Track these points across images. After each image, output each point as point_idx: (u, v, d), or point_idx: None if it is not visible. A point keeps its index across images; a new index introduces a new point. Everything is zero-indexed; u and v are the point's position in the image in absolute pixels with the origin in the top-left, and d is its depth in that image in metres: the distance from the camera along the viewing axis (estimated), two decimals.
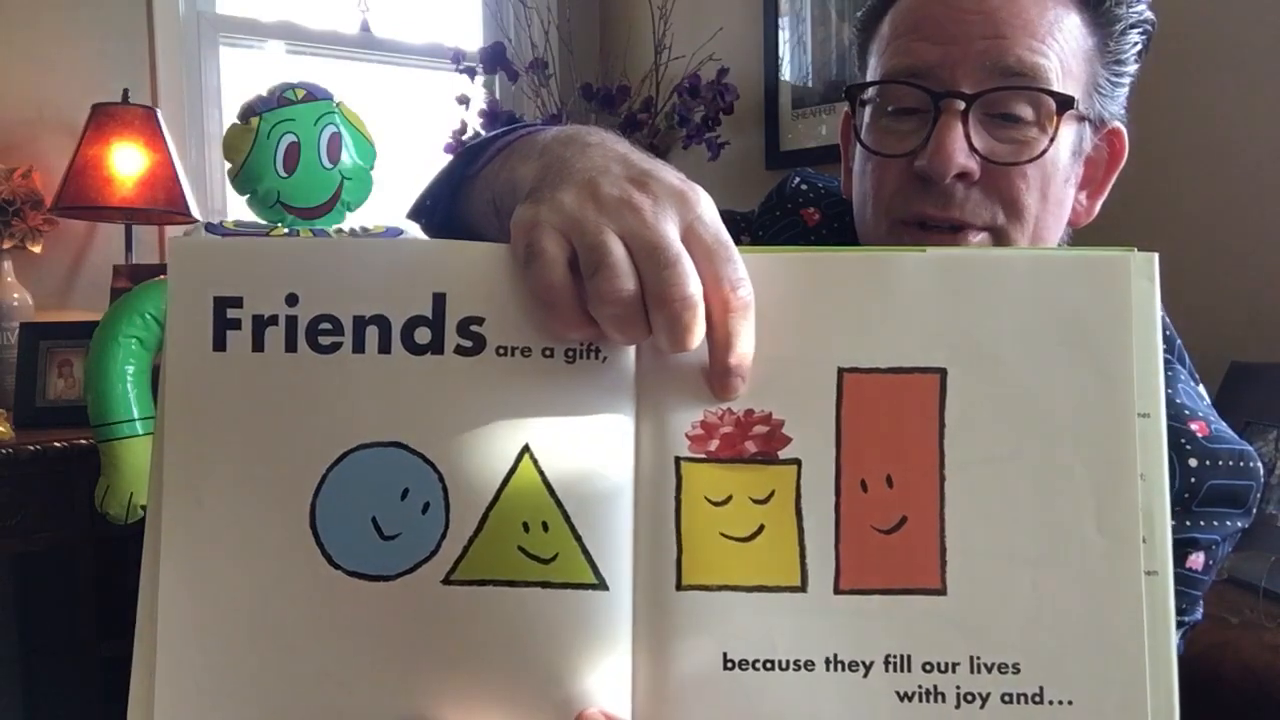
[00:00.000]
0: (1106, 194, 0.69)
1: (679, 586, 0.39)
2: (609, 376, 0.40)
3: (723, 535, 0.40)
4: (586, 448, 0.39)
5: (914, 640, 0.39)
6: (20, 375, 1.86)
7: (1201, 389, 0.70)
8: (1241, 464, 0.64)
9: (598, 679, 0.39)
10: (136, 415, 1.54)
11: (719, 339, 0.39)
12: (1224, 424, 0.66)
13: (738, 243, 0.40)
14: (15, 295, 1.94)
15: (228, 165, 1.67)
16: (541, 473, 0.39)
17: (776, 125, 2.32)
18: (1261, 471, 0.65)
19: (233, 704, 0.40)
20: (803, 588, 0.40)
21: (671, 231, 0.38)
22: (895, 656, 0.39)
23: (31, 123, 2.04)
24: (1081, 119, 0.64)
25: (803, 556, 0.40)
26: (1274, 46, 1.50)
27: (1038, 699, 0.39)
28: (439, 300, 0.39)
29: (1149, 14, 0.67)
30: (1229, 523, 0.64)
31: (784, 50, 2.31)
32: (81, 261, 2.11)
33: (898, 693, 0.39)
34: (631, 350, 0.40)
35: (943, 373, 0.40)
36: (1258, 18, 1.51)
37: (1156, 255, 0.40)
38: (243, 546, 0.40)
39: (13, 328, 1.90)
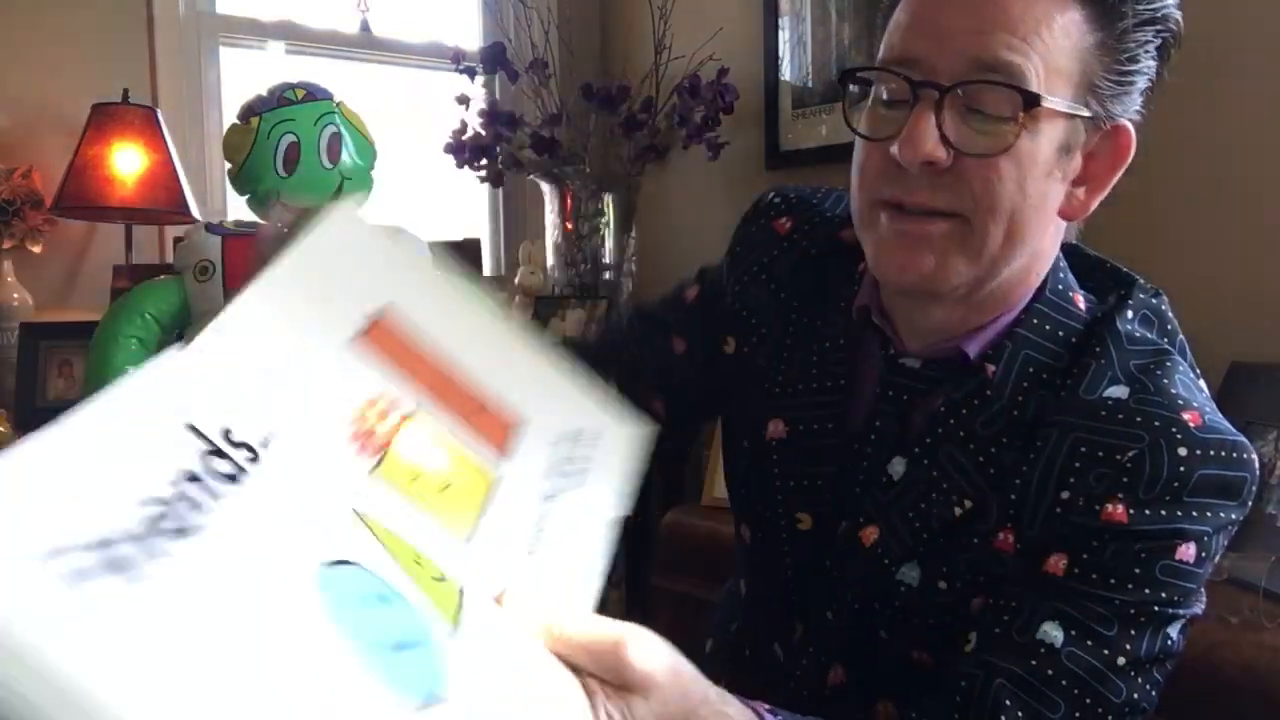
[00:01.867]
0: (1108, 190, 0.70)
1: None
2: None
3: None
4: None
5: None
6: (20, 375, 1.86)
7: (1202, 383, 0.70)
8: (1234, 455, 0.64)
9: None
10: None
11: None
12: (1220, 416, 0.66)
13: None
14: (15, 295, 1.94)
15: (228, 165, 1.67)
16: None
17: (776, 125, 2.32)
18: (1256, 464, 0.65)
19: None
20: None
21: None
22: None
23: (31, 123, 2.04)
24: (1071, 116, 0.65)
25: None
26: (1270, 48, 1.50)
27: None
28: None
29: (1167, 11, 0.67)
30: (1221, 514, 0.64)
31: (784, 50, 2.31)
32: (81, 261, 2.11)
33: None
34: None
35: None
36: (1261, 17, 1.51)
37: None
38: None
39: (13, 328, 1.90)
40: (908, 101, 0.64)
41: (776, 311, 0.81)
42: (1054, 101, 0.63)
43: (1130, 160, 0.69)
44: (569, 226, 2.33)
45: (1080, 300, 0.72)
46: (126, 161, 1.92)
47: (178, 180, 1.97)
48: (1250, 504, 0.66)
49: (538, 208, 2.55)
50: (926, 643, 0.72)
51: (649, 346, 0.88)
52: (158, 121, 1.99)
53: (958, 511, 0.69)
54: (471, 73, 2.30)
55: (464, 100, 2.32)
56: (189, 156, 2.17)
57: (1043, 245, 0.70)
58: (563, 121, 2.28)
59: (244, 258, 1.59)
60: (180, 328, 1.60)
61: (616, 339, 0.92)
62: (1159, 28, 0.67)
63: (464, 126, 2.32)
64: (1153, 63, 0.68)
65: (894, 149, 0.64)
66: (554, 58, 2.37)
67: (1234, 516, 0.65)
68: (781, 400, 0.79)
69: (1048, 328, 0.70)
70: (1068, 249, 0.76)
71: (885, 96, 0.67)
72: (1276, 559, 1.15)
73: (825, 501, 0.76)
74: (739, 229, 0.86)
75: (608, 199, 2.31)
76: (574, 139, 2.32)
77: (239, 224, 1.65)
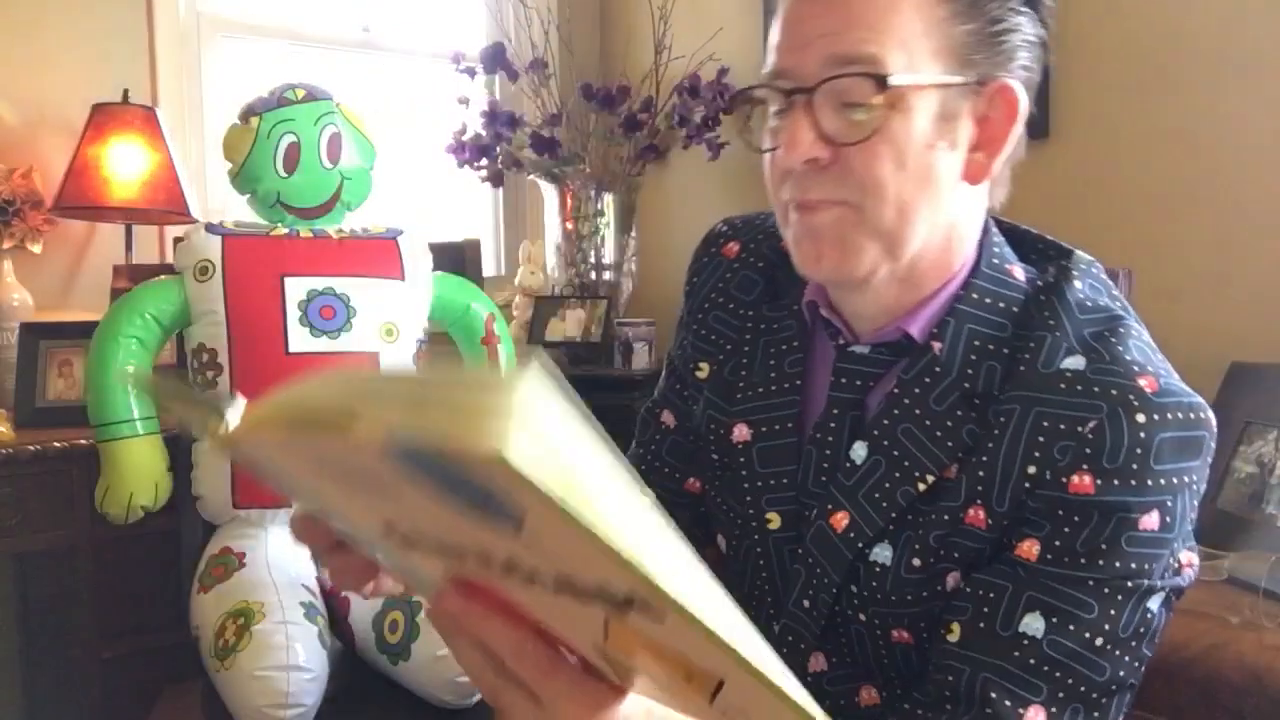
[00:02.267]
0: (1010, 148, 0.71)
1: None
2: None
3: None
4: None
5: None
6: (20, 375, 1.86)
7: (1153, 344, 0.71)
8: (1191, 415, 0.65)
9: None
10: (136, 415, 1.54)
11: None
12: (1176, 378, 0.67)
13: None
14: (15, 295, 1.94)
15: (228, 165, 1.67)
16: None
17: None
18: (1213, 422, 0.67)
19: None
20: None
21: None
22: None
23: (31, 123, 2.04)
24: (942, 86, 0.67)
25: None
26: (1271, 46, 1.50)
27: None
28: None
29: None
30: (1185, 476, 0.65)
31: None
32: (81, 261, 2.11)
33: None
34: None
35: None
36: (1256, 19, 1.51)
37: None
38: None
39: (13, 328, 1.90)
40: (787, 110, 0.69)
41: (736, 327, 0.85)
42: (909, 77, 0.66)
43: (1024, 115, 0.70)
44: (569, 226, 2.33)
45: (1018, 272, 0.74)
46: (126, 161, 1.92)
47: (178, 180, 1.97)
48: (1210, 462, 0.67)
49: (538, 208, 2.55)
50: (906, 620, 0.73)
51: (653, 445, 0.92)
52: (158, 121, 1.99)
53: (921, 487, 0.70)
54: (471, 72, 2.30)
55: (464, 100, 2.32)
56: (189, 156, 2.17)
57: (954, 213, 0.72)
58: (563, 121, 2.28)
59: (244, 258, 1.59)
60: (180, 328, 1.61)
61: (636, 459, 0.94)
62: None
63: (464, 127, 2.32)
64: (1021, 18, 0.69)
65: (779, 155, 0.70)
66: (554, 58, 2.37)
67: (1195, 477, 0.66)
68: (745, 404, 0.82)
69: (988, 300, 0.73)
70: (1002, 226, 0.79)
71: (773, 109, 0.72)
72: (1277, 559, 1.15)
73: (792, 499, 0.78)
74: (692, 263, 0.91)
75: (608, 199, 2.31)
76: (574, 139, 2.32)
77: (239, 224, 1.65)
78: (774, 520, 0.78)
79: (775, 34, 0.71)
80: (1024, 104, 0.70)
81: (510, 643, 0.46)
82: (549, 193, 2.36)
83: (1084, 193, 1.71)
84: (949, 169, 0.69)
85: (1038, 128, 1.75)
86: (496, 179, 2.38)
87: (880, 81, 0.65)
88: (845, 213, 0.69)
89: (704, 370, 0.86)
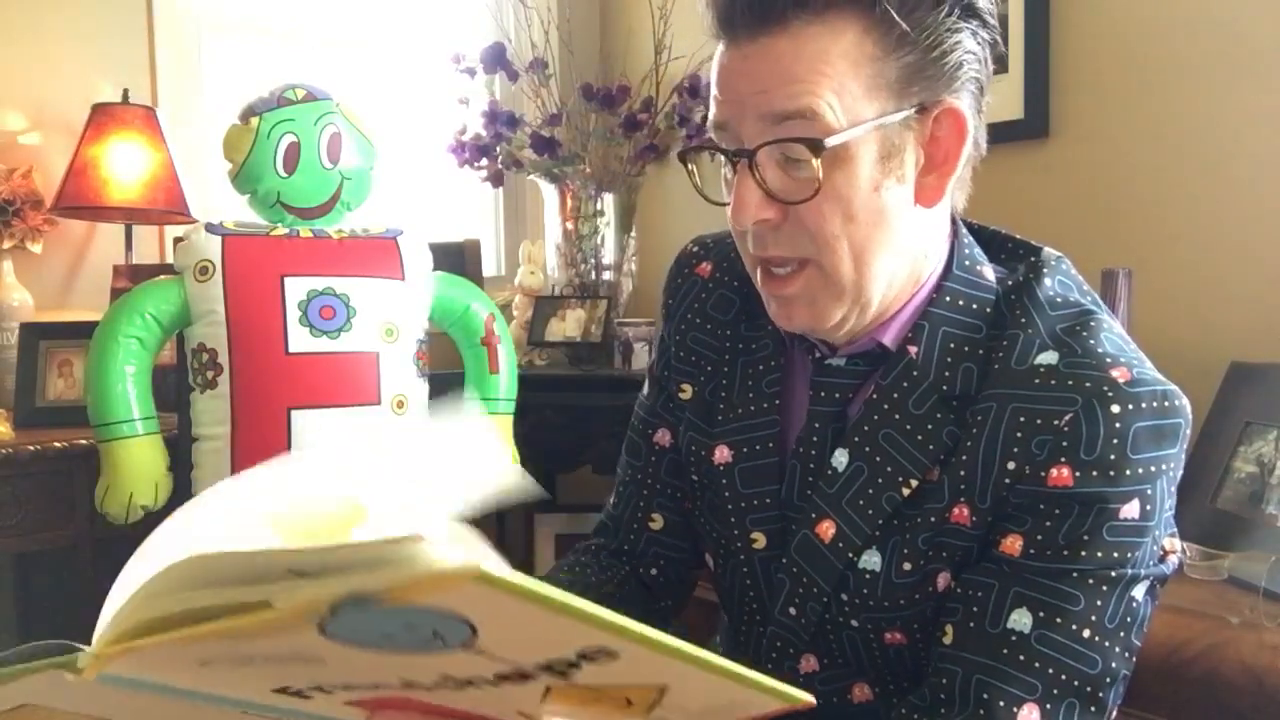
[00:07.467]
0: (960, 169, 0.71)
1: None
2: None
3: None
4: None
5: None
6: (20, 375, 1.86)
7: (1127, 335, 0.71)
8: (1166, 403, 0.66)
9: None
10: (137, 415, 1.54)
11: None
12: (1149, 367, 0.68)
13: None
14: (15, 295, 1.94)
15: (228, 165, 1.67)
16: None
17: None
18: (1188, 409, 0.67)
19: None
20: None
21: None
22: None
23: (31, 123, 2.04)
24: (881, 125, 0.66)
25: None
26: (1269, 47, 1.50)
27: None
28: None
29: None
30: (1163, 465, 0.65)
31: None
32: (81, 261, 2.11)
33: None
34: None
35: None
36: (1256, 18, 1.51)
37: None
38: None
39: (13, 328, 1.90)
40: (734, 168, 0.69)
41: (715, 347, 0.85)
42: (845, 133, 0.65)
43: (973, 132, 0.69)
44: (569, 226, 2.33)
45: (988, 272, 0.75)
46: (126, 161, 1.92)
47: (178, 180, 1.97)
48: (1186, 448, 0.67)
49: (538, 208, 2.55)
50: (899, 623, 0.73)
51: (650, 467, 0.90)
52: (158, 121, 1.99)
53: (905, 492, 0.70)
54: (471, 72, 2.30)
55: (464, 101, 2.32)
56: (189, 156, 2.17)
57: (914, 238, 0.71)
58: (563, 121, 2.28)
59: (244, 258, 1.59)
60: (180, 328, 1.61)
61: (631, 484, 0.92)
62: (946, 9, 0.67)
63: (464, 127, 2.32)
64: (961, 35, 0.67)
65: (730, 213, 0.70)
66: (554, 58, 2.37)
67: (1172, 464, 0.66)
68: (725, 426, 0.81)
69: (960, 303, 0.73)
70: (971, 227, 0.79)
71: (724, 163, 0.72)
72: (1277, 559, 1.15)
73: (776, 516, 0.78)
74: (666, 285, 0.91)
75: (608, 199, 2.31)
76: (574, 139, 2.32)
77: (239, 224, 1.65)
78: (759, 540, 0.78)
79: (715, 87, 0.70)
80: (972, 121, 0.69)
81: None
82: (549, 193, 2.36)
83: (1084, 193, 1.71)
84: (900, 202, 0.69)
85: (1038, 128, 1.75)
86: (496, 179, 2.37)
87: (813, 145, 0.65)
88: (811, 274, 0.70)
89: (687, 392, 0.86)
